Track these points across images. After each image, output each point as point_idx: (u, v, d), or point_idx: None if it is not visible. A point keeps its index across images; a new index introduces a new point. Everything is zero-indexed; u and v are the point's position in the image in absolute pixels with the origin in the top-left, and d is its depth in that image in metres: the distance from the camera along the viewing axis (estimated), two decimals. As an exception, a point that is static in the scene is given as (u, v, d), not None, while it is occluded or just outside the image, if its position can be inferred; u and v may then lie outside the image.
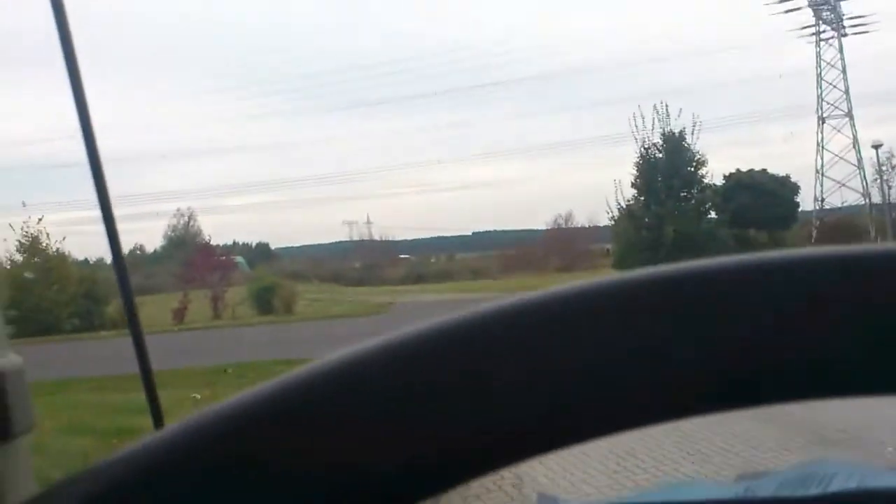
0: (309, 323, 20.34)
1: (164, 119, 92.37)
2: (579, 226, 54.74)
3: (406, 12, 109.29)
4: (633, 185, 27.59)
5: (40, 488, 0.32)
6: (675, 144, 27.04)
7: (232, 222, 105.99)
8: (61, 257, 25.13)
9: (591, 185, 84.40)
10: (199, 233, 57.35)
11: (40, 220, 24.58)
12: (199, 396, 8.80)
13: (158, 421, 0.83)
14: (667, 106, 27.38)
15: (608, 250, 35.57)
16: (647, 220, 26.55)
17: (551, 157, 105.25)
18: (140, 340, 0.84)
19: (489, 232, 76.17)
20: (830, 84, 49.01)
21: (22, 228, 23.71)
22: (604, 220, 31.07)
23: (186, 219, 60.89)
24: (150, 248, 61.32)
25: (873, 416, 5.08)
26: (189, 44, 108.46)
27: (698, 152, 27.29)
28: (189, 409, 8.16)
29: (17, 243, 23.71)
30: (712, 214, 27.98)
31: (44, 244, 24.70)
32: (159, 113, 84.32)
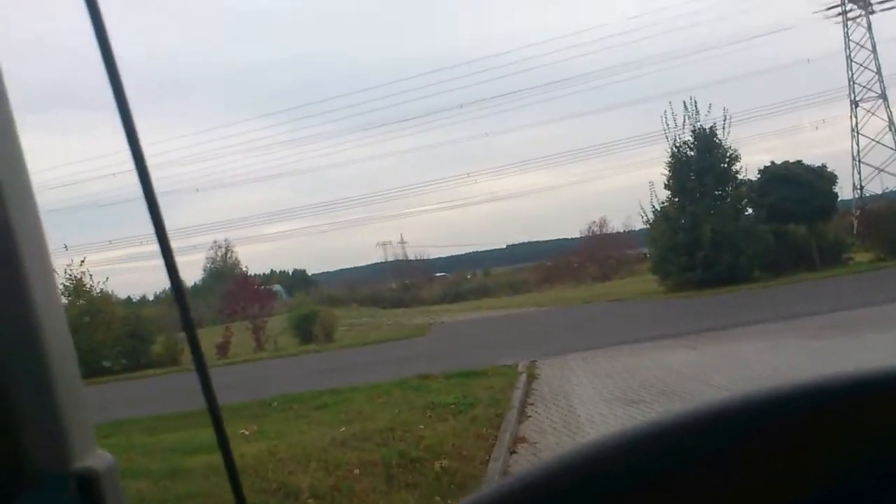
0: (349, 350, 20.40)
1: (194, 152, 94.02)
2: (614, 231, 54.29)
3: (421, 29, 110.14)
4: (667, 186, 27.10)
5: None
6: (706, 141, 26.53)
7: (269, 251, 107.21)
8: (105, 298, 25.54)
9: (624, 188, 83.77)
10: (237, 263, 58.11)
11: (83, 262, 25.12)
12: (247, 433, 8.84)
13: (226, 453, 0.80)
14: (696, 101, 26.98)
15: (646, 255, 35.09)
16: (683, 220, 26.03)
17: (581, 162, 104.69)
18: (204, 371, 0.80)
19: (524, 244, 75.88)
20: (861, 65, 47.66)
21: (66, 271, 24.23)
22: (639, 224, 30.55)
23: (224, 250, 61.80)
24: (190, 283, 62.26)
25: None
26: (213, 74, 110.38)
27: (731, 147, 26.80)
28: (238, 446, 8.14)
29: (61, 287, 24.13)
30: (749, 211, 27.37)
31: (87, 286, 25.18)
32: (188, 146, 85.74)
